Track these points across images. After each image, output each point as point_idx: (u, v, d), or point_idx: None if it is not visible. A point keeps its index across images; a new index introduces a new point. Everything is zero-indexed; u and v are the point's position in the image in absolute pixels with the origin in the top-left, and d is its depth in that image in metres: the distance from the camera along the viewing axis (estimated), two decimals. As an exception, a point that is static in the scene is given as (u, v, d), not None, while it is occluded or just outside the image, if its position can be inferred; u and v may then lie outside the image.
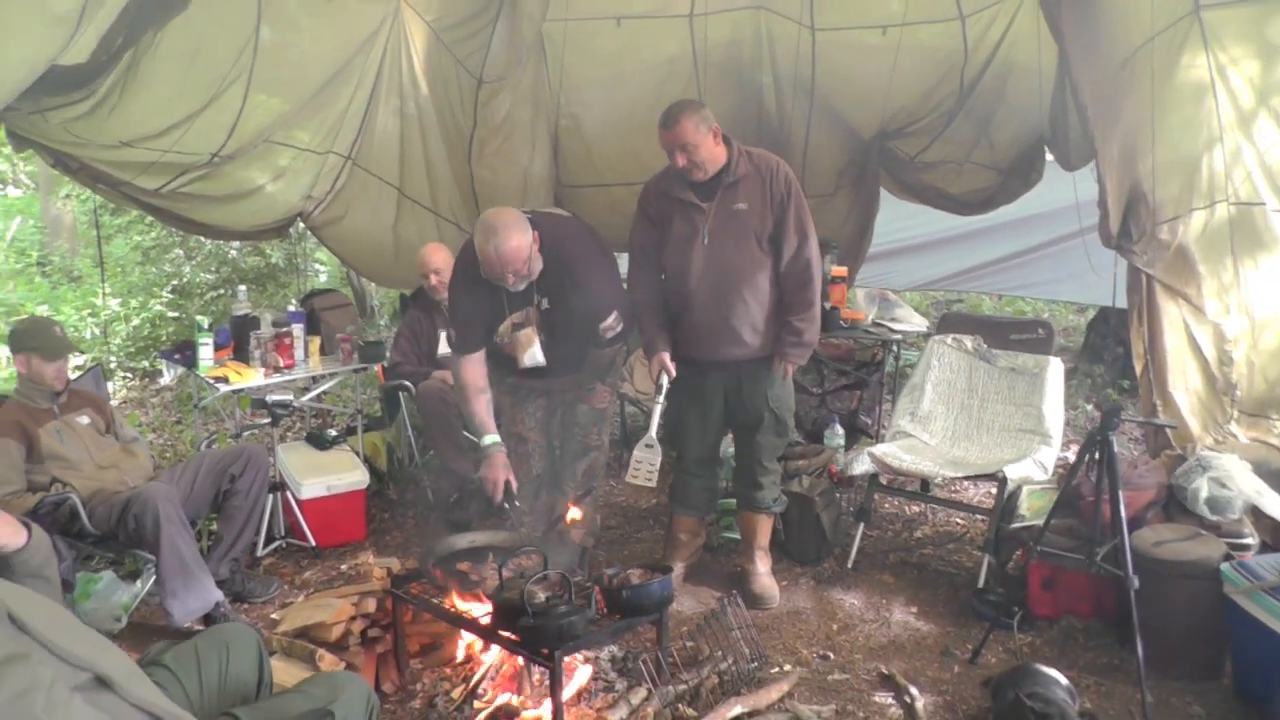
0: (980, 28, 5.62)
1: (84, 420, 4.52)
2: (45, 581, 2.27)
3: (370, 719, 2.49)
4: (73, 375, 4.76)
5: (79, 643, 1.98)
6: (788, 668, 3.97)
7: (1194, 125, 4.74)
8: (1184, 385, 4.82)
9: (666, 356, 4.38)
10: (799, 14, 5.96)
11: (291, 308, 6.35)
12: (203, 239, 9.83)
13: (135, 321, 9.89)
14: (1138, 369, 4.93)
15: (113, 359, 9.25)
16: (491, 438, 4.28)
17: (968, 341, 5.20)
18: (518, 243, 3.98)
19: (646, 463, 4.43)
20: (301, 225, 6.66)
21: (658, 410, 4.42)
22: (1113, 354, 7.68)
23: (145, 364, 9.39)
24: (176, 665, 2.44)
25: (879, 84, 5.96)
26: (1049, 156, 5.71)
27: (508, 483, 4.21)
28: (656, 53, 6.37)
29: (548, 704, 3.50)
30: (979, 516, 4.96)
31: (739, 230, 4.25)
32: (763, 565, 4.71)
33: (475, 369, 4.34)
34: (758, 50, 6.27)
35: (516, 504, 4.21)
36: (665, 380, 4.38)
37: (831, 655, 4.12)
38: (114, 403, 6.45)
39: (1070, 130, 5.27)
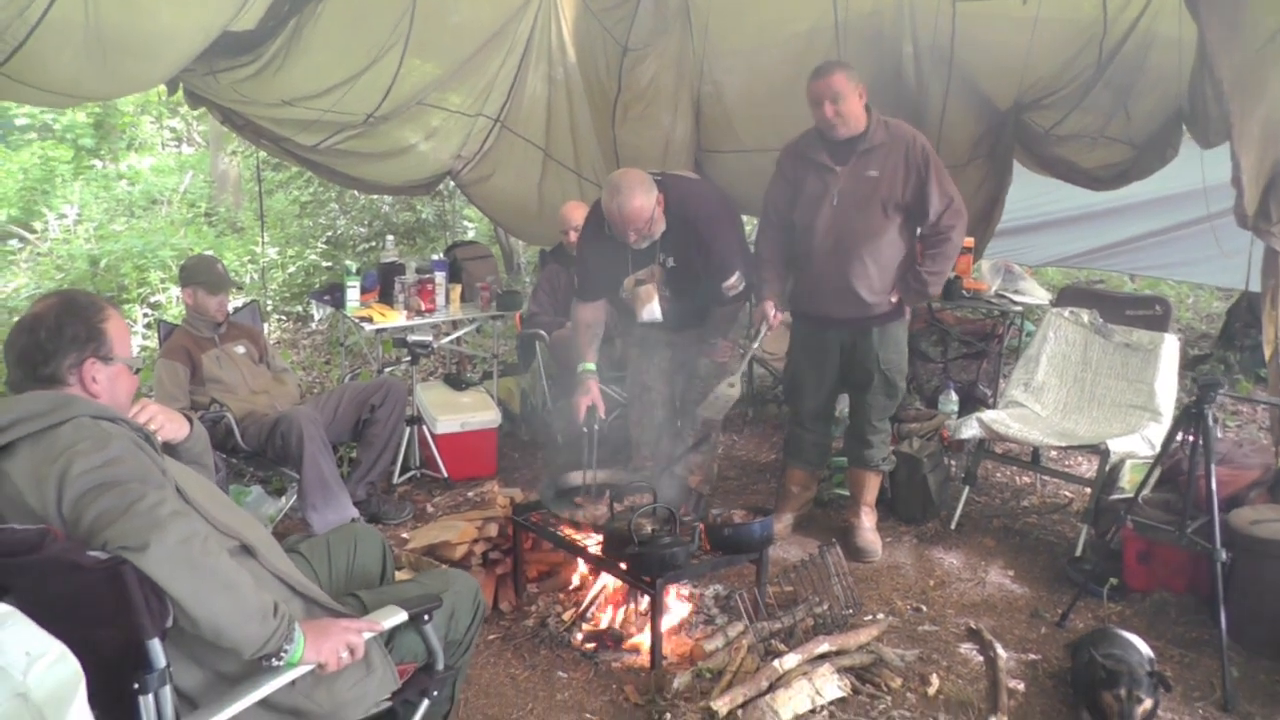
0: (1121, -1, 5.59)
1: (240, 350, 4.95)
2: (203, 468, 2.64)
3: (477, 614, 2.79)
4: (231, 310, 5.20)
5: (229, 515, 2.34)
6: (880, 616, 4.14)
7: (1350, 102, 4.66)
8: (1318, 375, 4.76)
9: (770, 306, 4.56)
10: (940, -15, 6.01)
11: (435, 257, 6.72)
12: (356, 194, 10.38)
13: (291, 269, 10.53)
14: (1267, 353, 4.86)
15: (269, 303, 9.86)
16: (585, 365, 4.55)
17: (1084, 315, 5.21)
18: (641, 203, 4.21)
19: (724, 398, 4.60)
20: (451, 183, 7.02)
21: (750, 354, 4.65)
22: (1253, 340, 7.50)
23: (299, 309, 9.98)
24: (310, 553, 2.80)
25: (1017, 55, 5.92)
26: (1186, 134, 5.64)
27: (592, 407, 4.44)
28: (799, 22, 6.44)
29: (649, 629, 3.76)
30: (1088, 490, 5.00)
31: (867, 195, 4.39)
32: (868, 520, 4.86)
33: (592, 311, 4.65)
34: (899, 21, 6.30)
35: (595, 428, 4.43)
36: (764, 328, 4.56)
37: (924, 608, 4.27)
38: (270, 340, 6.95)
39: (1209, 106, 5.20)
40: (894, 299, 4.52)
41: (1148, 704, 3.23)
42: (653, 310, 4.50)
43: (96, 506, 2.02)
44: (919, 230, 4.51)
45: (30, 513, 2.08)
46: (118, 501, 2.02)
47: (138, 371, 2.49)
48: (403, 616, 2.44)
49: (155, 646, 2.00)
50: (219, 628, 2.05)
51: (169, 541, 1.98)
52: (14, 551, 1.95)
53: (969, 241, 5.98)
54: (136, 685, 1.98)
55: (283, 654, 2.14)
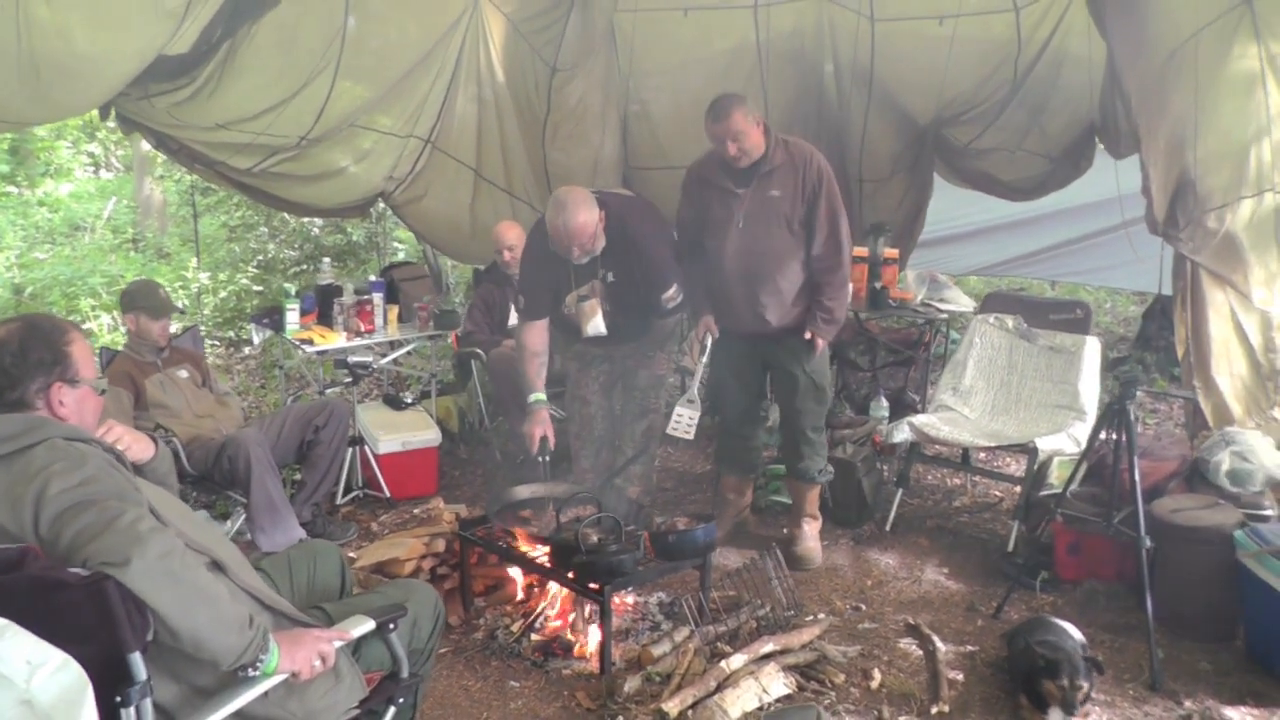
0: (1034, 19, 5.80)
1: (183, 374, 4.95)
2: (168, 488, 2.69)
3: (437, 622, 2.87)
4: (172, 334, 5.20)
5: (199, 533, 2.39)
6: (821, 616, 4.26)
7: (1244, 115, 4.89)
8: (1228, 370, 4.99)
9: (711, 319, 4.70)
10: (859, 5, 6.17)
11: (372, 278, 6.75)
12: (287, 218, 10.33)
13: (223, 294, 10.45)
14: (1179, 353, 5.10)
15: (202, 328, 9.77)
16: (536, 395, 4.62)
17: (1009, 321, 5.41)
18: (584, 219, 4.31)
19: (686, 417, 4.73)
20: (382, 205, 7.05)
21: (699, 370, 4.74)
22: (1167, 341, 7.79)
23: (231, 334, 9.92)
24: (271, 569, 2.86)
25: (935, 73, 6.14)
26: (1099, 145, 5.88)
27: (544, 437, 4.52)
28: (722, 42, 6.62)
29: (598, 637, 3.86)
30: (1017, 488, 5.19)
31: (772, 216, 4.51)
32: (808, 529, 4.96)
33: (535, 334, 4.68)
34: (819, 40, 6.48)
35: (548, 458, 4.52)
36: (709, 340, 4.68)
37: (863, 607, 4.41)
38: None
39: (1119, 119, 5.43)
40: (806, 335, 4.58)
41: (1085, 688, 3.39)
42: (597, 325, 4.59)
43: (76, 524, 2.06)
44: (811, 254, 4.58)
45: (5, 534, 2.12)
46: (97, 519, 2.06)
47: (102, 393, 2.53)
48: (370, 625, 2.50)
49: (137, 660, 2.04)
50: (199, 639, 2.10)
51: (150, 556, 2.03)
52: (-5, 571, 1.99)
53: (893, 253, 6.18)
54: (119, 698, 2.02)
55: (258, 664, 2.19)
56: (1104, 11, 4.89)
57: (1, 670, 1.75)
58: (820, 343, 4.62)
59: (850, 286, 4.73)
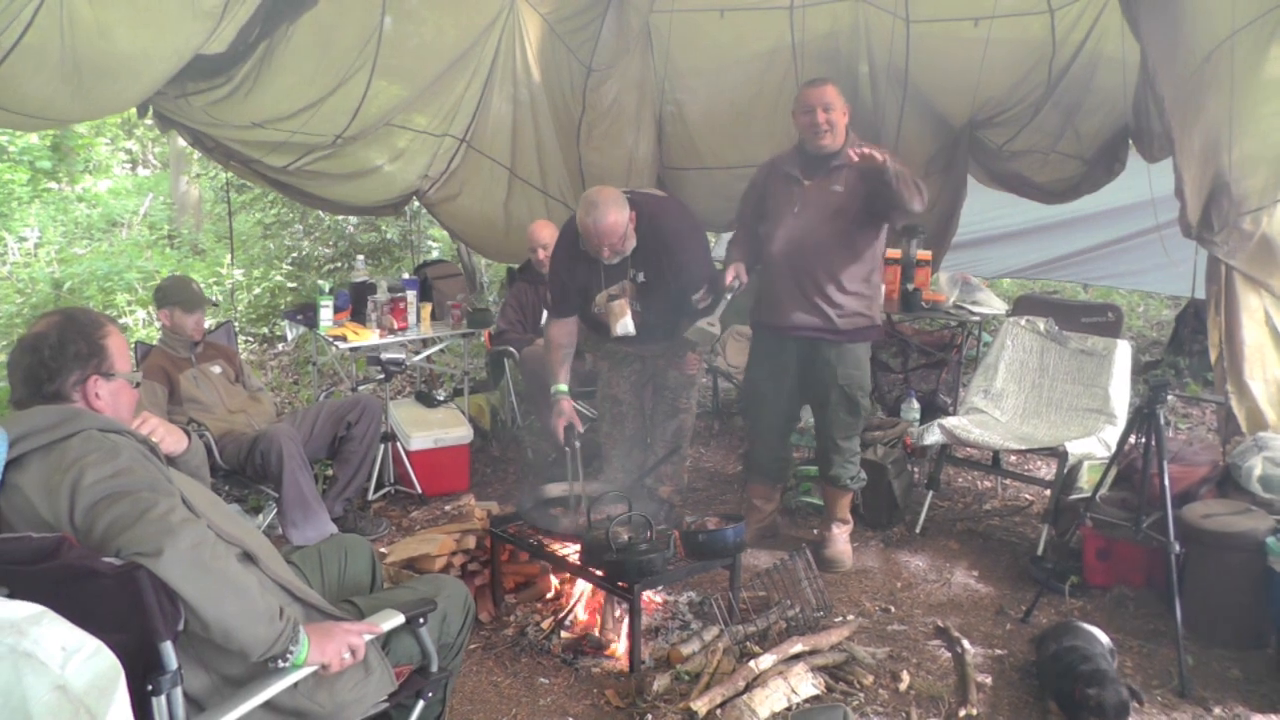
0: (1069, 21, 5.77)
1: (216, 369, 5.01)
2: (201, 480, 2.74)
3: (467, 618, 2.90)
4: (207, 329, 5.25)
5: (230, 524, 2.42)
6: (850, 617, 4.26)
7: (1283, 117, 4.86)
8: (1262, 375, 4.93)
9: (742, 267, 4.59)
10: (894, 6, 6.15)
11: (406, 276, 6.81)
12: (321, 215, 10.43)
13: (257, 290, 10.56)
14: (1212, 357, 5.05)
15: (236, 324, 9.86)
16: (559, 386, 4.67)
17: (1040, 323, 5.39)
18: (615, 219, 4.32)
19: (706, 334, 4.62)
20: (417, 203, 7.10)
21: (723, 301, 4.56)
22: (1200, 346, 7.72)
23: (265, 330, 10.02)
24: (302, 562, 2.90)
25: (969, 74, 6.11)
26: (1132, 149, 5.84)
27: (570, 426, 4.55)
28: (758, 43, 6.61)
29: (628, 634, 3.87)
30: (1047, 492, 5.17)
31: (829, 209, 4.51)
32: (839, 532, 4.95)
33: (563, 329, 4.73)
34: (855, 41, 6.47)
35: (578, 444, 4.52)
36: (737, 284, 4.54)
37: (893, 609, 4.41)
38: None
39: (1153, 122, 5.40)
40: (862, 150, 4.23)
41: None
42: (626, 325, 4.60)
43: (109, 515, 2.10)
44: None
45: (42, 523, 2.16)
46: (130, 509, 2.10)
47: (137, 386, 2.57)
48: (400, 619, 2.53)
49: (168, 649, 2.09)
50: (229, 630, 2.13)
51: (181, 546, 2.07)
52: (32, 559, 2.03)
53: (926, 255, 6.16)
54: (150, 687, 2.06)
55: (288, 655, 2.23)
56: (1138, 13, 4.85)
57: (38, 655, 1.79)
58: (870, 331, 4.68)
59: (922, 197, 4.40)
